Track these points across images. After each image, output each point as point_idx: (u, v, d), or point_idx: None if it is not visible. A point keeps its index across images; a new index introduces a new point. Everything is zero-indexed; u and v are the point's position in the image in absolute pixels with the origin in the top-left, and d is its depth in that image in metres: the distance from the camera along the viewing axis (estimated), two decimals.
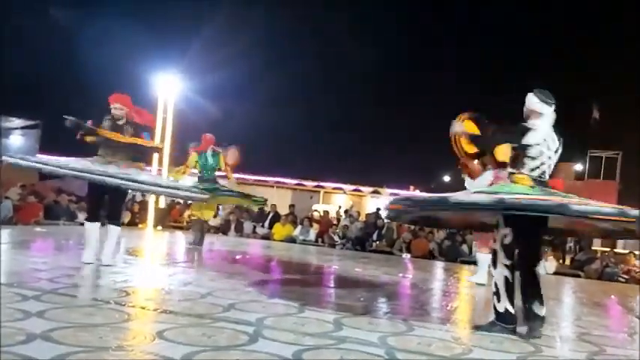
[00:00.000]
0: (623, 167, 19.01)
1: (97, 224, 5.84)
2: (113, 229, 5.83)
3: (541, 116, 4.14)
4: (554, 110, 4.18)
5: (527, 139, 4.09)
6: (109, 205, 5.91)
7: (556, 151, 4.17)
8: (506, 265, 4.13)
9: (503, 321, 4.07)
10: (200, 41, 20.24)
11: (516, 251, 4.13)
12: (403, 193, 22.86)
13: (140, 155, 6.06)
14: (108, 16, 23.09)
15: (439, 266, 10.20)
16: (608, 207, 3.77)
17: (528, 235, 4.11)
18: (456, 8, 31.72)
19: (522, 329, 4.02)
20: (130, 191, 6.95)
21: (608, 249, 13.42)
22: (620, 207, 3.84)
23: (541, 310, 4.02)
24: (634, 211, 3.65)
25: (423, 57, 32.65)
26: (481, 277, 7.21)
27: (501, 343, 3.77)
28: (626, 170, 19.29)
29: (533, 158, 4.11)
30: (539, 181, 4.10)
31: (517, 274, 4.13)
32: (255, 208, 13.46)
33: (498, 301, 4.10)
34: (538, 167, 4.12)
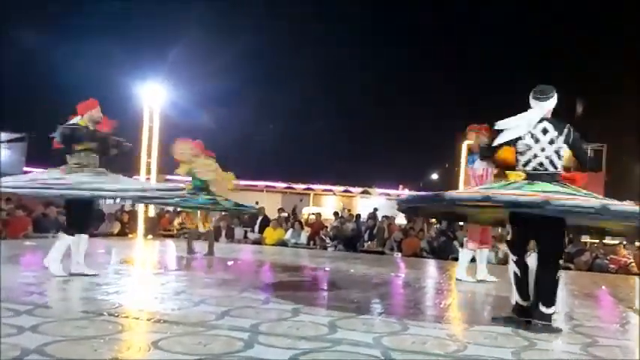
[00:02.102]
0: (608, 159, 19.21)
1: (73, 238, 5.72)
2: (85, 238, 5.80)
3: (533, 109, 4.21)
4: (547, 102, 4.20)
5: (504, 137, 4.16)
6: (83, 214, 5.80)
7: (552, 142, 4.14)
8: (513, 261, 4.27)
9: (516, 313, 4.25)
10: (186, 49, 20.17)
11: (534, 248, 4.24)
12: (392, 192, 22.94)
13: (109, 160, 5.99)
14: (92, 27, 22.96)
15: (431, 264, 10.24)
16: (592, 202, 3.74)
17: (540, 232, 4.14)
18: (443, 8, 31.85)
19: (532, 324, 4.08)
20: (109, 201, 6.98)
21: (597, 240, 13.53)
22: (606, 202, 3.81)
23: (547, 310, 4.06)
24: (615, 206, 3.67)
25: (411, 57, 32.76)
26: (462, 273, 7.27)
27: (495, 338, 3.80)
28: (611, 162, 19.51)
29: (521, 153, 4.17)
30: (537, 175, 4.11)
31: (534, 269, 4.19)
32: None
33: (512, 294, 4.29)
34: (530, 161, 4.15)
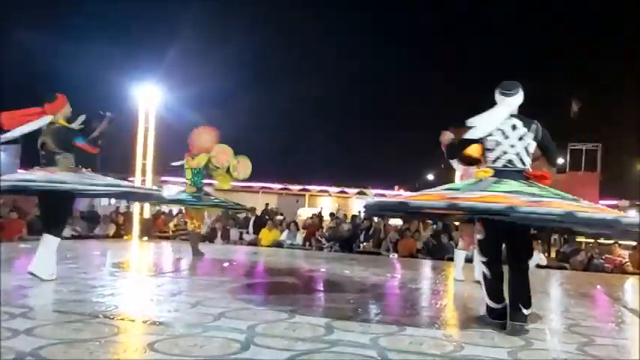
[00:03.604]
0: (603, 159, 19.29)
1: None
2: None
3: (499, 105, 4.19)
4: (513, 98, 4.18)
5: (472, 134, 4.14)
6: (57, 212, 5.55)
7: (521, 138, 4.10)
8: (482, 262, 4.21)
9: (488, 315, 4.19)
10: (182, 51, 20.15)
11: (504, 249, 4.18)
12: (388, 193, 22.96)
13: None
14: (88, 29, 22.92)
15: (427, 265, 10.24)
16: (556, 209, 3.60)
17: (510, 233, 4.09)
18: (442, 8, 31.92)
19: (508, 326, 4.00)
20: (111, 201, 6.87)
21: (592, 240, 13.56)
22: (573, 208, 3.68)
23: (523, 310, 3.98)
24: (582, 213, 3.56)
25: (408, 57, 32.80)
26: (458, 273, 7.29)
27: (492, 338, 3.80)
28: (606, 162, 19.59)
29: (490, 150, 4.14)
30: (506, 172, 4.07)
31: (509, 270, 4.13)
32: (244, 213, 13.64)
33: (484, 296, 4.21)
34: (499, 157, 4.11)
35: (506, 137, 4.10)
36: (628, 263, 11.01)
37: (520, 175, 4.08)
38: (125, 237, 13.00)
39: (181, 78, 17.55)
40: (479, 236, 4.24)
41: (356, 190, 23.57)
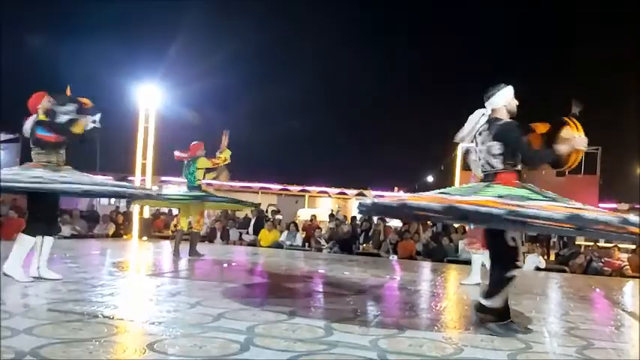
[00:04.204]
0: (602, 162, 19.27)
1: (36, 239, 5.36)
2: (51, 240, 5.46)
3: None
4: (489, 102, 4.21)
5: (461, 140, 4.36)
6: (47, 212, 5.42)
7: (483, 142, 4.10)
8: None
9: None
10: (182, 50, 20.16)
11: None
12: (388, 194, 22.94)
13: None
14: (88, 28, 22.89)
15: (426, 267, 10.24)
16: (497, 208, 3.52)
17: (490, 236, 4.17)
18: (442, 9, 31.93)
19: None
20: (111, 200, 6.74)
21: (591, 243, 13.58)
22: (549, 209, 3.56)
23: (485, 302, 4.04)
24: (559, 214, 3.46)
25: (409, 59, 32.81)
26: (476, 277, 7.21)
27: (492, 341, 3.80)
28: (605, 165, 19.57)
29: (473, 159, 4.25)
30: (485, 177, 4.14)
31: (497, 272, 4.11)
32: (249, 210, 13.62)
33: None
34: (481, 162, 4.18)
35: (476, 144, 4.23)
36: (627, 266, 11.02)
37: (490, 178, 4.09)
38: (124, 237, 12.99)
39: (182, 77, 17.57)
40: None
41: (355, 192, 23.54)
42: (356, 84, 31.76)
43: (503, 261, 4.07)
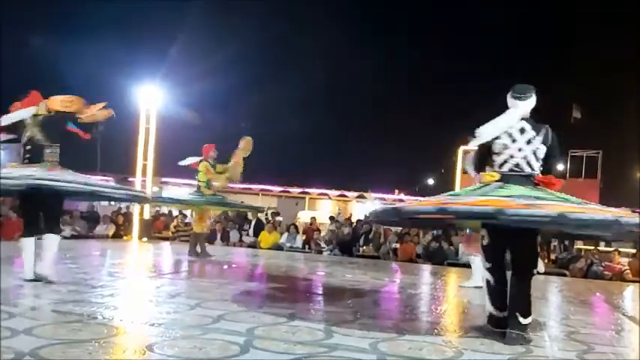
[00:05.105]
0: (603, 165, 19.27)
1: (33, 239, 5.23)
2: (54, 238, 5.23)
3: (512, 109, 4.07)
4: (526, 102, 4.06)
5: (482, 138, 4.03)
6: (47, 212, 5.28)
7: (529, 142, 4.00)
8: (487, 268, 4.10)
9: (491, 324, 4.07)
10: (183, 51, 20.17)
11: (508, 255, 4.07)
12: (388, 197, 22.94)
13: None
14: (90, 28, 22.93)
15: (427, 269, 10.23)
16: (547, 211, 3.49)
17: (513, 241, 4.00)
18: (442, 10, 31.96)
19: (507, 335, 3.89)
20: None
21: (591, 247, 13.55)
22: (563, 210, 3.55)
23: (523, 320, 3.87)
24: (575, 214, 3.48)
25: (409, 60, 32.84)
26: (477, 280, 7.20)
27: (492, 345, 3.79)
28: (606, 168, 19.57)
29: (497, 154, 4.04)
30: (513, 176, 3.97)
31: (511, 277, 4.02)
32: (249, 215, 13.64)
33: (486, 304, 4.11)
34: (506, 161, 4.01)
35: (514, 141, 4.00)
36: (627, 271, 11.00)
37: (528, 179, 3.98)
38: (125, 237, 12.99)
39: (181, 79, 17.58)
40: (484, 242, 4.13)
41: (356, 194, 23.54)
42: (356, 85, 31.81)
43: (531, 271, 3.98)
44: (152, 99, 13.58)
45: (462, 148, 15.82)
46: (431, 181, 36.21)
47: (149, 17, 24.84)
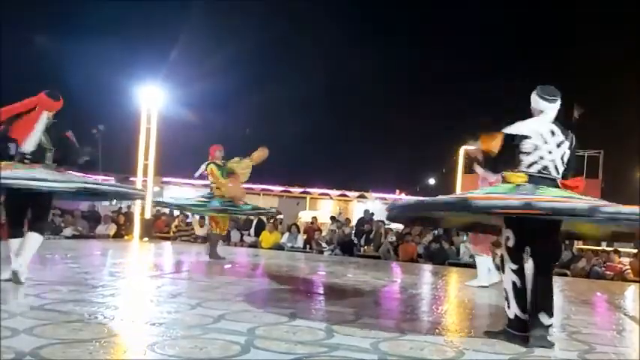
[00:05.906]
0: (605, 165, 19.23)
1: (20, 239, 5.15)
2: (36, 238, 5.14)
3: (541, 113, 4.00)
4: (555, 105, 4.01)
5: (514, 129, 3.92)
6: (34, 210, 5.23)
7: (559, 145, 3.92)
8: (513, 270, 3.92)
9: (514, 328, 3.90)
10: (184, 51, 20.17)
11: (530, 255, 3.98)
12: (389, 196, 22.92)
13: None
14: (90, 29, 22.93)
15: (428, 269, 10.22)
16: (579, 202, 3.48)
17: (537, 238, 3.89)
18: (443, 10, 31.93)
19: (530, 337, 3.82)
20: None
21: (593, 247, 13.54)
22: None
23: (547, 320, 3.81)
24: (568, 204, 3.44)
25: (410, 60, 32.80)
26: (482, 279, 7.20)
27: (493, 345, 3.78)
28: (608, 168, 19.53)
29: (527, 153, 3.90)
30: (541, 178, 3.87)
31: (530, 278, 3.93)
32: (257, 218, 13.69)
33: (508, 307, 3.92)
34: (536, 162, 3.89)
35: (545, 142, 3.90)
36: (628, 271, 10.99)
37: (554, 183, 3.90)
38: (126, 237, 12.99)
39: (183, 79, 17.58)
40: (509, 243, 3.95)
41: (357, 194, 23.54)
42: (356, 85, 31.80)
43: (552, 268, 3.92)
44: (153, 99, 13.58)
45: (463, 148, 15.82)
46: (432, 181, 36.23)
47: (150, 17, 24.86)
